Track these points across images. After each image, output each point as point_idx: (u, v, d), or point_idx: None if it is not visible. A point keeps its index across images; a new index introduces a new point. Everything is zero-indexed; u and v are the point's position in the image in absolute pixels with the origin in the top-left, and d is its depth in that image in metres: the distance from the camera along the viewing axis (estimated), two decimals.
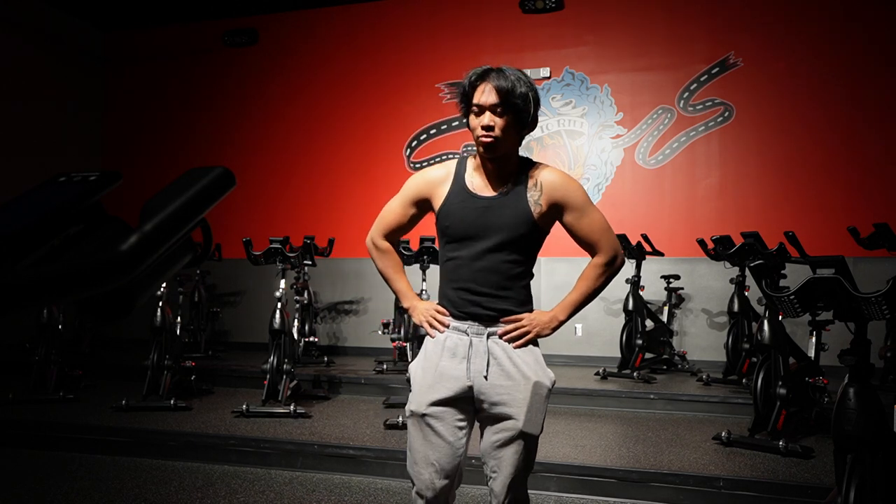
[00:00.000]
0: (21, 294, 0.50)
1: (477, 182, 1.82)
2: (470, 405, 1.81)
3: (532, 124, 1.79)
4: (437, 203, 1.84)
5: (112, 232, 0.60)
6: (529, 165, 1.83)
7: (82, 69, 8.12)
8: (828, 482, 2.97)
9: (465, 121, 1.82)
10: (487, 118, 1.72)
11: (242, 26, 7.84)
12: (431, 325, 1.83)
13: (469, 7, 7.24)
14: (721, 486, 3.13)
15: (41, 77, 7.50)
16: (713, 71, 6.57)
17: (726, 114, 6.53)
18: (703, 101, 6.59)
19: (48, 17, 7.57)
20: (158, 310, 4.79)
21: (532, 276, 1.87)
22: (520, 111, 1.73)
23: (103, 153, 8.34)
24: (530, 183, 1.78)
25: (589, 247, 1.83)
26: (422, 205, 1.89)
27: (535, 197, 1.76)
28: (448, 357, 1.79)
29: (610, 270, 1.83)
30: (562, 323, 1.83)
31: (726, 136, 6.52)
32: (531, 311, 1.85)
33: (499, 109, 1.72)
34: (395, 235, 1.97)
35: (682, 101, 6.65)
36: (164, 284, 4.89)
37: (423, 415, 1.77)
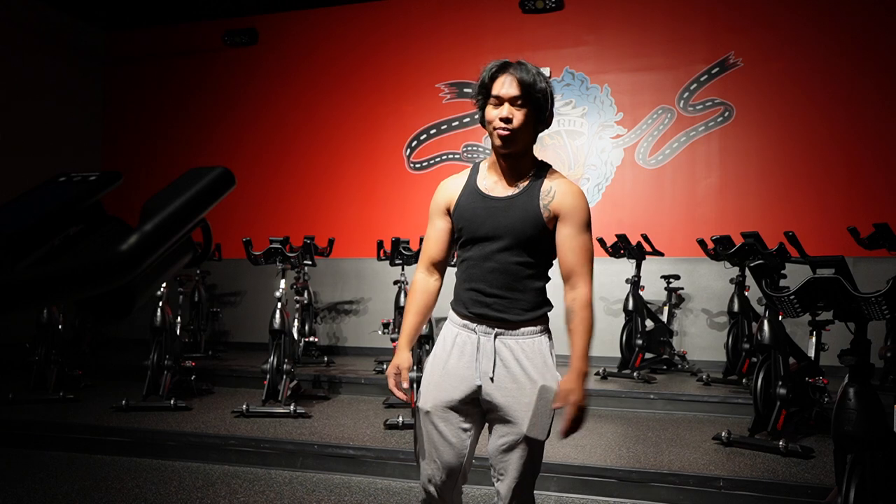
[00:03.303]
0: (21, 294, 0.50)
1: (489, 182, 1.80)
2: (478, 407, 1.80)
3: (548, 121, 1.78)
4: (453, 207, 1.82)
5: (112, 232, 0.60)
6: (547, 170, 1.81)
7: (82, 69, 8.12)
8: (828, 482, 2.97)
9: (479, 115, 1.79)
10: (506, 110, 1.70)
11: (242, 26, 7.83)
12: (391, 384, 1.82)
13: (469, 7, 7.24)
14: (721, 486, 3.13)
15: (41, 77, 7.50)
16: (713, 71, 6.57)
17: (726, 114, 6.53)
18: (703, 101, 6.59)
19: (48, 16, 7.57)
20: (158, 310, 4.79)
21: (547, 279, 1.83)
22: (539, 106, 1.72)
23: (103, 153, 8.34)
24: (544, 187, 1.76)
25: (569, 267, 1.75)
26: (448, 213, 1.86)
27: (547, 202, 1.74)
28: (456, 356, 1.80)
29: (592, 306, 1.79)
30: (587, 372, 1.75)
31: (726, 136, 6.52)
32: (547, 313, 1.82)
33: (519, 102, 1.70)
34: (441, 259, 1.88)
35: (682, 101, 6.65)
36: (164, 284, 4.89)
37: (428, 412, 1.80)
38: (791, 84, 6.35)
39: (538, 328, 1.80)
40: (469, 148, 7.07)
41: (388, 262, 5.87)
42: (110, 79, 8.39)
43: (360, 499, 3.23)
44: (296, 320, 5.99)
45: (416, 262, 5.26)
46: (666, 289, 6.17)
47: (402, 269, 6.00)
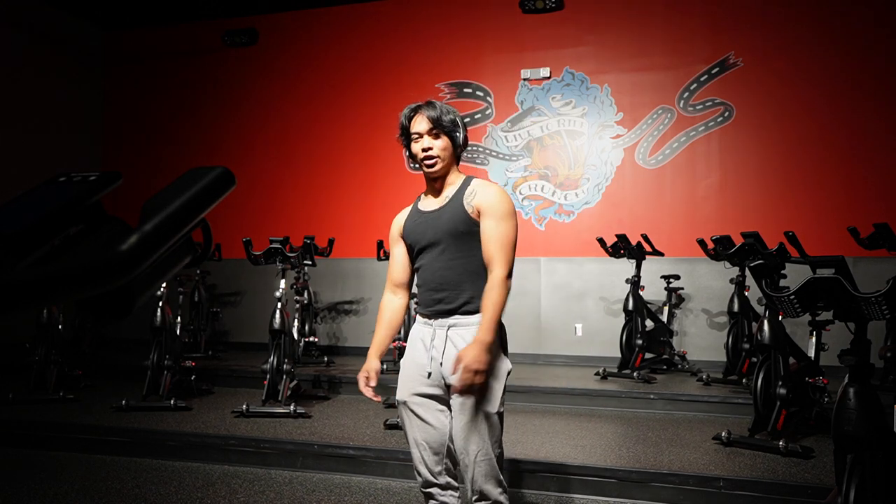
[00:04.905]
0: (21, 294, 0.50)
1: (426, 203, 2.14)
2: (447, 393, 2.02)
3: (464, 144, 2.11)
4: (402, 231, 2.16)
5: (112, 232, 0.60)
6: (471, 180, 2.10)
7: (82, 69, 8.11)
8: (828, 482, 2.97)
9: (406, 153, 2.13)
10: (426, 141, 2.03)
11: (242, 26, 7.84)
12: (361, 385, 2.17)
13: (469, 7, 7.24)
14: (721, 486, 3.13)
15: (41, 76, 7.50)
16: (713, 71, 6.57)
17: (726, 114, 6.53)
18: (703, 101, 6.59)
19: (48, 16, 7.57)
20: (158, 310, 4.79)
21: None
22: (450, 133, 2.05)
23: (103, 153, 8.34)
24: (467, 191, 2.05)
25: (489, 254, 1.99)
26: (401, 238, 2.18)
27: (469, 200, 2.02)
28: (419, 348, 2.08)
29: (506, 285, 1.95)
30: (490, 342, 1.90)
31: (726, 136, 6.52)
32: None
33: (434, 132, 2.03)
34: (402, 280, 2.24)
35: (682, 101, 6.65)
36: (164, 284, 4.89)
37: (405, 402, 2.08)
38: (791, 84, 6.35)
39: None
40: (468, 148, 7.06)
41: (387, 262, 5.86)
42: (110, 79, 8.39)
43: (360, 499, 3.23)
44: (296, 320, 5.99)
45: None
46: (666, 289, 6.16)
47: None
